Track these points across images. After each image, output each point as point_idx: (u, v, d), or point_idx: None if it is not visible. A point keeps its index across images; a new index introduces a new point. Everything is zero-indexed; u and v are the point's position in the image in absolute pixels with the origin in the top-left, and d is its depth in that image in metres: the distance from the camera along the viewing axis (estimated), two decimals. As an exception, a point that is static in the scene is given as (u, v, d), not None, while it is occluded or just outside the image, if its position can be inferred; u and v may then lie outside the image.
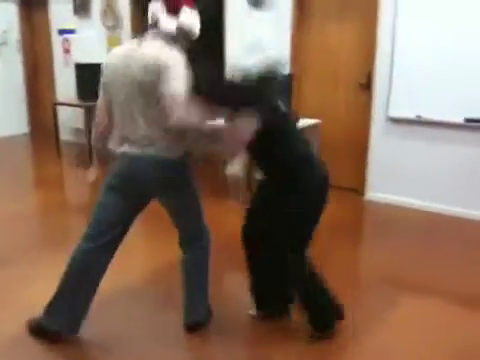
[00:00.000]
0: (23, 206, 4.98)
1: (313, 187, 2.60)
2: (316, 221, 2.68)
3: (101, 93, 2.61)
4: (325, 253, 3.89)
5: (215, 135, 2.46)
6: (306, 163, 2.61)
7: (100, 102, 2.63)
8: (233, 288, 3.42)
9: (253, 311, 3.00)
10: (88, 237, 2.64)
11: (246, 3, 5.55)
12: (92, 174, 2.82)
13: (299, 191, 2.57)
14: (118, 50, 2.55)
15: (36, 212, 4.94)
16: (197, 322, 2.85)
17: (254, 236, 2.83)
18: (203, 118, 2.37)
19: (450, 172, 4.67)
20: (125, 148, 2.53)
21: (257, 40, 5.58)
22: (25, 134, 8.63)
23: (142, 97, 2.40)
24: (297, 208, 2.59)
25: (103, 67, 2.56)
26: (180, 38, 2.52)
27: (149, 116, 2.43)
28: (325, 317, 2.79)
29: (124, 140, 2.53)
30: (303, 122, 5.10)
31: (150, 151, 2.47)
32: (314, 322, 2.78)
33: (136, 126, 2.46)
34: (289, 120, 2.65)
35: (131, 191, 2.60)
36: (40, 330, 2.73)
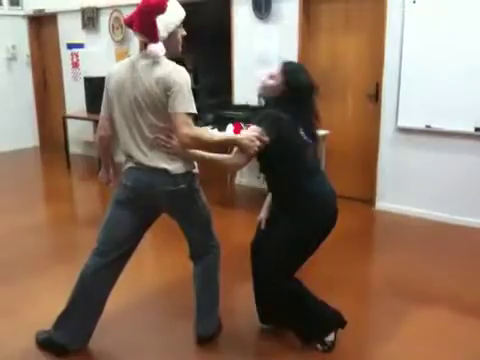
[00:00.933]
0: (33, 219, 4.99)
1: (315, 212, 2.57)
2: (314, 245, 2.65)
3: (105, 104, 2.60)
4: (335, 263, 3.87)
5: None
6: (311, 193, 2.57)
7: (103, 114, 2.62)
8: (242, 300, 3.40)
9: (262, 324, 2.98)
10: (98, 253, 2.64)
11: (253, 15, 5.57)
12: (103, 177, 2.85)
13: (301, 213, 2.56)
14: (122, 63, 2.56)
15: (45, 225, 4.96)
16: (204, 336, 2.83)
17: (257, 250, 2.82)
18: (209, 136, 2.45)
19: (460, 182, 4.63)
20: (132, 162, 2.53)
21: (264, 52, 5.60)
22: (35, 147, 8.69)
23: (151, 109, 2.41)
24: (297, 229, 2.55)
25: (107, 79, 2.56)
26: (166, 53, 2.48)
27: (157, 128, 2.44)
28: (310, 330, 2.78)
29: (130, 154, 2.52)
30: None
31: (158, 164, 2.47)
32: (299, 334, 2.79)
33: (143, 138, 2.47)
34: (305, 147, 2.60)
35: (140, 205, 2.60)
36: (48, 343, 2.72)
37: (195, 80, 7.89)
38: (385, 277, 3.68)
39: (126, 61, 2.56)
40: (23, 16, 8.31)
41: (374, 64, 4.99)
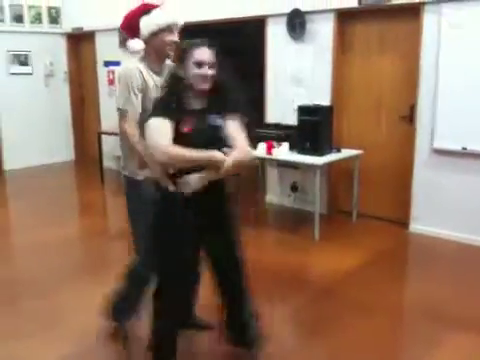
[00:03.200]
0: (67, 231, 5.08)
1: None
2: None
3: None
4: (367, 285, 3.81)
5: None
6: None
7: None
8: (273, 322, 3.38)
9: None
10: None
11: (287, 35, 5.60)
12: None
13: None
14: None
15: (79, 238, 5.04)
16: None
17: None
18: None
19: (498, 205, 4.53)
20: None
21: (297, 71, 5.62)
22: (71, 161, 8.87)
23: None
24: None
25: None
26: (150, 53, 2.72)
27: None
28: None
29: None
30: (344, 152, 5.11)
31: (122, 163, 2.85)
32: None
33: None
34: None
35: None
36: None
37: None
38: (418, 301, 3.60)
39: None
40: (62, 34, 8.56)
41: (409, 84, 4.94)
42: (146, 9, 2.68)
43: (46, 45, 8.38)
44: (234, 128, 2.39)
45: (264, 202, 6.16)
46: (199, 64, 2.33)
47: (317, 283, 3.88)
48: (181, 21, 2.73)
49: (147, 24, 2.66)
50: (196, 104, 2.40)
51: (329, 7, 5.24)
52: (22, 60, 8.17)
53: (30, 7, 8.12)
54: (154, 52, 2.69)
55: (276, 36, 5.76)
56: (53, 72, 8.57)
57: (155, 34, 2.66)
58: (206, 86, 2.36)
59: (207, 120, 2.38)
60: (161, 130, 2.26)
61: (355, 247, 4.59)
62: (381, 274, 4.04)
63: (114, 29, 7.50)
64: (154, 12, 2.68)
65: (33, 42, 8.21)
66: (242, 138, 2.38)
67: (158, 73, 2.72)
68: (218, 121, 2.38)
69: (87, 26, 8.07)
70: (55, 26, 8.47)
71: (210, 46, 2.38)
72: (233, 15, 5.95)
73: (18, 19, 8.02)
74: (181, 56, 2.38)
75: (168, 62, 2.78)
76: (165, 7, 2.74)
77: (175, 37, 2.70)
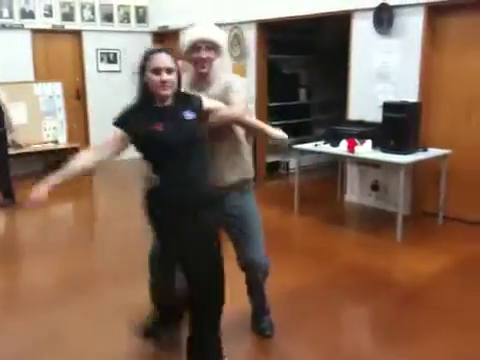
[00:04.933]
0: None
1: None
2: None
3: None
4: (453, 294, 3.60)
5: None
6: None
7: None
8: (352, 322, 3.28)
9: None
10: None
11: (374, 30, 5.44)
12: None
13: None
14: None
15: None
16: None
17: None
18: None
19: None
20: None
21: (383, 67, 5.44)
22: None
23: None
24: None
25: None
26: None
27: None
28: None
29: None
30: (431, 152, 4.88)
31: None
32: None
33: None
34: None
35: None
36: None
37: (308, 95, 7.87)
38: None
39: None
40: (148, 32, 8.82)
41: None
42: None
43: (133, 43, 8.64)
44: (212, 103, 2.57)
45: (343, 201, 6.02)
46: (156, 71, 2.38)
47: (399, 287, 3.72)
48: (209, 36, 2.65)
49: (181, 43, 2.70)
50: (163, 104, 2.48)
51: (419, 1, 5.02)
52: (111, 58, 8.51)
53: (120, 6, 8.45)
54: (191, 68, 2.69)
55: (362, 31, 5.60)
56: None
57: (186, 53, 2.68)
58: (166, 92, 2.41)
59: (179, 115, 2.46)
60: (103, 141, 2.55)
61: (441, 251, 4.36)
62: (469, 282, 3.81)
63: (198, 27, 7.66)
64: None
65: (121, 41, 8.52)
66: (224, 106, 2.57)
67: (199, 88, 2.75)
68: (189, 115, 2.47)
69: (172, 24, 8.25)
70: (142, 25, 8.75)
71: (167, 52, 2.45)
72: (317, 10, 5.87)
73: (108, 18, 8.36)
74: (142, 65, 2.45)
75: (225, 75, 2.83)
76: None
77: (201, 54, 2.64)
